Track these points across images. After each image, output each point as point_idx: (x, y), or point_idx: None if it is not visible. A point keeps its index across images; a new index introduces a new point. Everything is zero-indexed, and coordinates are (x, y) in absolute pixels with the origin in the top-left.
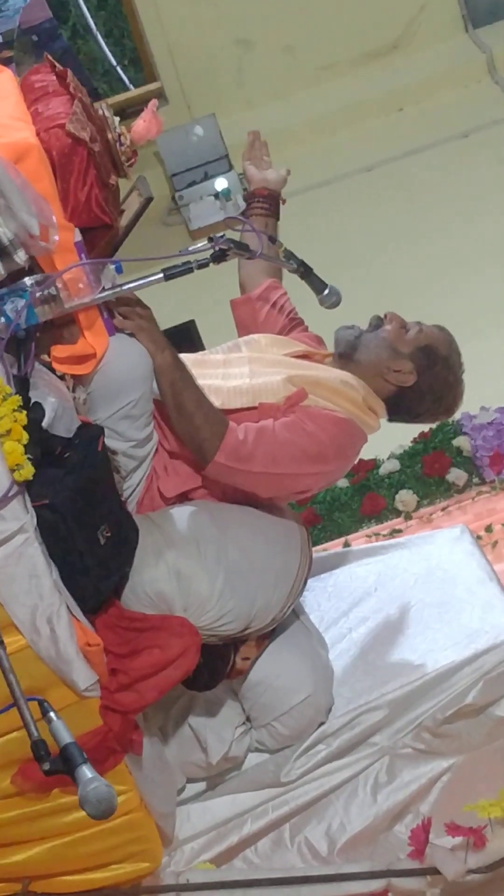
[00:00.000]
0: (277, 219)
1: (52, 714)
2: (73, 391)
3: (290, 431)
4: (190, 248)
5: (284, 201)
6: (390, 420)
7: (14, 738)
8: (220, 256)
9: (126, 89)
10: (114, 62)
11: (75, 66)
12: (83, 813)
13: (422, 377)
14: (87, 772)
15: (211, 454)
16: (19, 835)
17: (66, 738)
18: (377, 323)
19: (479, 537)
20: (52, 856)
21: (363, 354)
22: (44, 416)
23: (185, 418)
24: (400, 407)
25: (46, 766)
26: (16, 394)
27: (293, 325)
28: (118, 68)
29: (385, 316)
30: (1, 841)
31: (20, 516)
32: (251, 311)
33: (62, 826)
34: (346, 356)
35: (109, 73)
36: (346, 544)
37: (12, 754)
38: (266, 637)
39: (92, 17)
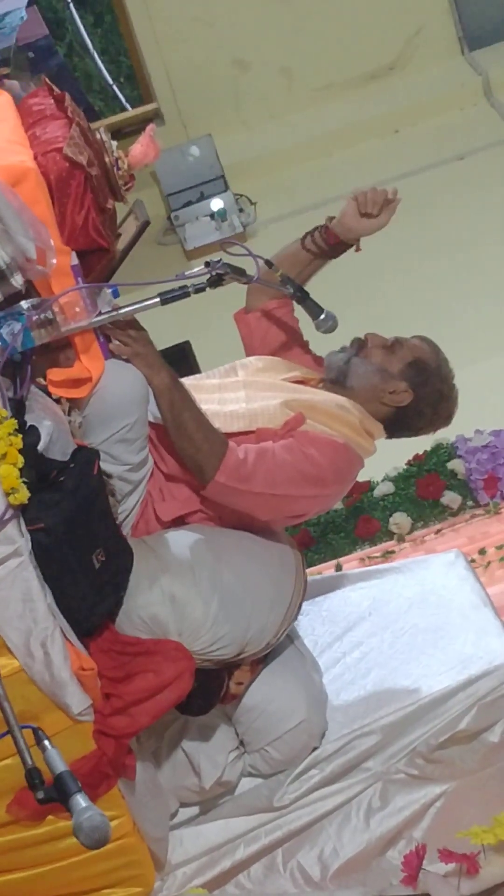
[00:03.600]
0: (330, 259)
1: (46, 742)
2: (69, 415)
3: (290, 453)
4: (186, 273)
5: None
6: (391, 437)
7: (8, 766)
8: (216, 281)
9: (122, 107)
10: (109, 80)
11: (71, 84)
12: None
13: (417, 393)
14: (81, 801)
15: (211, 473)
16: (13, 862)
17: (60, 766)
18: (359, 345)
19: (472, 560)
20: (44, 880)
21: (355, 381)
22: (39, 439)
23: (185, 438)
24: (400, 425)
25: (40, 795)
26: (11, 417)
27: (295, 343)
28: (114, 86)
29: (365, 338)
30: None
31: (15, 540)
32: (249, 328)
33: (56, 853)
34: (338, 383)
35: (105, 90)
36: (338, 567)
37: (6, 782)
38: (260, 662)
39: (88, 34)
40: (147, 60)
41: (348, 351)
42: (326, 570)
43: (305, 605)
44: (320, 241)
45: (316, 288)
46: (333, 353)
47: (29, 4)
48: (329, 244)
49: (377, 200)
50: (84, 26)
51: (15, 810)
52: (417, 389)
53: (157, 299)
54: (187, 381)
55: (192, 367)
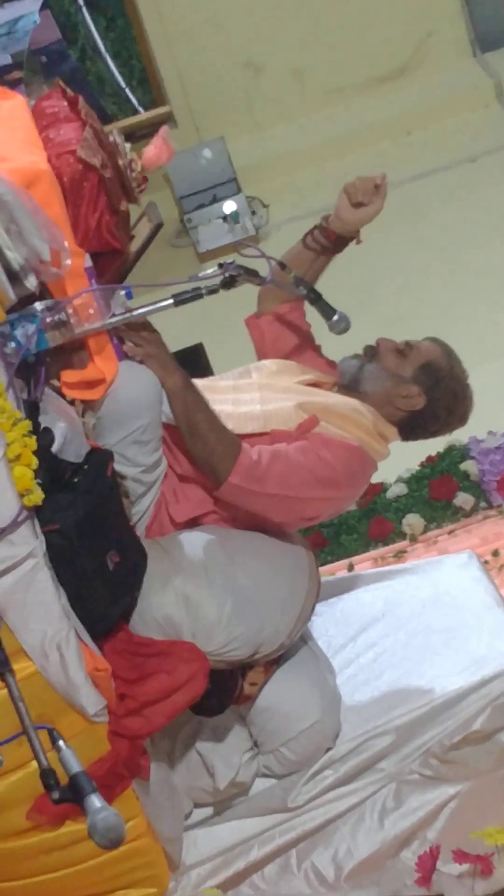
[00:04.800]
0: (334, 255)
1: (61, 743)
2: (83, 416)
3: (304, 455)
4: (200, 275)
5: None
6: (406, 440)
7: (27, 775)
8: (229, 283)
9: (134, 110)
10: (122, 83)
11: (84, 87)
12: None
13: (430, 396)
14: (95, 801)
15: (224, 475)
16: (30, 867)
17: (75, 767)
18: (371, 352)
19: (485, 562)
20: (61, 883)
21: (368, 386)
22: (53, 441)
23: (199, 440)
24: (415, 428)
25: (56, 795)
26: (26, 419)
27: (307, 347)
28: (126, 90)
29: (377, 343)
30: (14, 874)
31: (29, 542)
32: (261, 332)
33: (72, 857)
34: (351, 389)
35: (118, 94)
36: (350, 567)
37: (24, 790)
38: (274, 663)
39: (101, 38)
40: (159, 63)
41: (361, 358)
42: (339, 570)
43: (319, 607)
44: (321, 238)
45: (328, 289)
46: (347, 360)
47: (42, 9)
48: (329, 240)
49: (367, 188)
50: (96, 30)
51: (34, 816)
52: (430, 392)
53: (171, 301)
54: (200, 383)
55: (205, 370)
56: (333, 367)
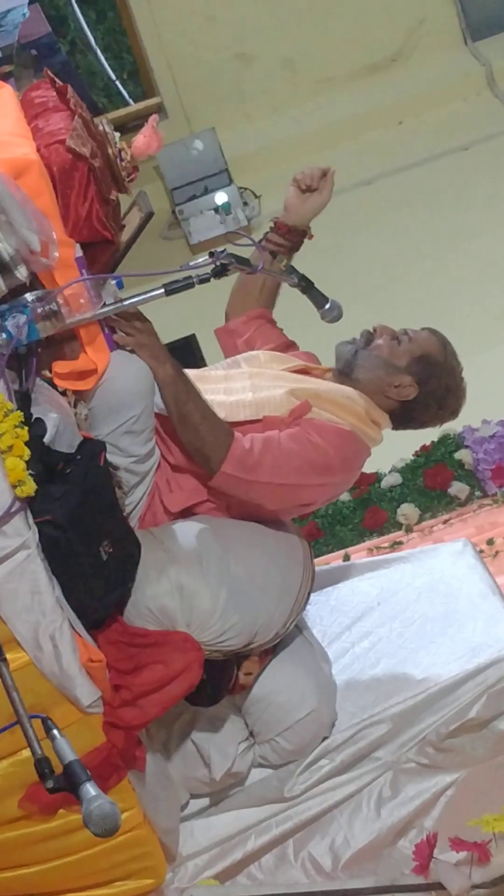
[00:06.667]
0: (293, 252)
1: (55, 732)
2: (75, 407)
3: (296, 442)
4: (191, 263)
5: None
6: (396, 429)
7: (19, 761)
8: (221, 271)
9: (125, 103)
10: (113, 76)
11: (74, 81)
12: (88, 832)
13: (423, 388)
14: (90, 789)
15: (217, 464)
16: (26, 857)
17: (69, 755)
18: (368, 337)
19: (480, 550)
20: (57, 873)
21: (361, 373)
22: (45, 431)
23: (191, 430)
24: (405, 418)
25: (50, 784)
26: (17, 410)
27: (285, 342)
28: (117, 82)
29: (375, 329)
30: (9, 864)
31: (22, 532)
32: (232, 334)
33: (68, 846)
34: (344, 374)
35: (108, 87)
36: (346, 557)
37: (18, 778)
38: (269, 652)
39: (91, 31)
40: (150, 55)
41: (357, 342)
42: (335, 561)
43: (314, 596)
44: (274, 237)
45: (319, 278)
46: (343, 343)
47: (31, 2)
48: (281, 234)
49: (314, 174)
50: (87, 23)
51: (27, 805)
52: (423, 384)
53: (162, 290)
54: (192, 374)
55: (198, 361)
56: (314, 360)
